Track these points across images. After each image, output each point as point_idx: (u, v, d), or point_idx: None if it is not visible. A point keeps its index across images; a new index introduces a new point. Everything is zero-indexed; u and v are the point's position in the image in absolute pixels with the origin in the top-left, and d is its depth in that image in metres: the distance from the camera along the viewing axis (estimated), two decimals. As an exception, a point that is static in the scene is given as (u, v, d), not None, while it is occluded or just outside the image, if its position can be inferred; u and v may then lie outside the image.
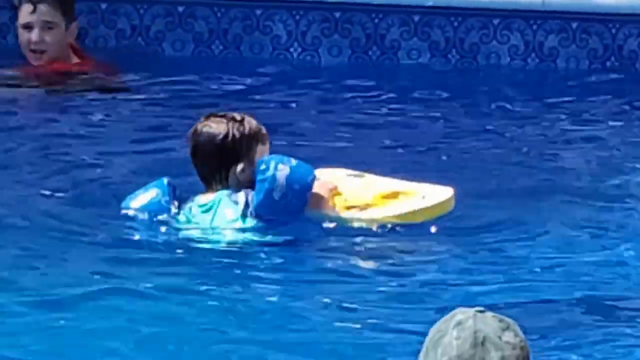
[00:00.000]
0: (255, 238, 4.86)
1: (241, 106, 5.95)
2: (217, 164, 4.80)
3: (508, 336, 2.49)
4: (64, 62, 6.35)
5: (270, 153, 4.88)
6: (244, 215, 4.73)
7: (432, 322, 3.62)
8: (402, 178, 4.97)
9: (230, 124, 4.81)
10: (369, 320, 4.21)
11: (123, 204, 4.98)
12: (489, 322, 2.52)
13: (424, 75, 6.79)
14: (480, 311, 2.52)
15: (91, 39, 6.78)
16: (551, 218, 5.18)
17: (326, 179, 4.90)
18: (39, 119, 6.26)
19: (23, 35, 6.18)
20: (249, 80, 6.98)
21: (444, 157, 5.91)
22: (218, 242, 4.89)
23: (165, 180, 4.85)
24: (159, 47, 6.82)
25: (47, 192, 5.37)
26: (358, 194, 4.83)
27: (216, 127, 4.82)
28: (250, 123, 4.79)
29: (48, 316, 4.35)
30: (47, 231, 5.12)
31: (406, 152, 6.00)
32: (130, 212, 5.01)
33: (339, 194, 4.82)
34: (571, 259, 4.85)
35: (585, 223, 5.20)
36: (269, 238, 4.85)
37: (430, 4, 6.75)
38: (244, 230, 4.80)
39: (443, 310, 4.42)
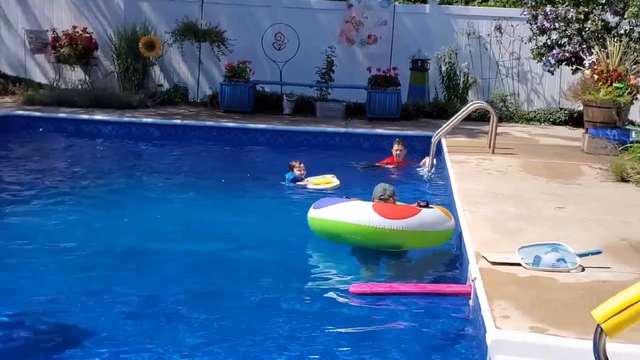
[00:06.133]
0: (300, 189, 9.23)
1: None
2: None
3: (390, 188, 6.99)
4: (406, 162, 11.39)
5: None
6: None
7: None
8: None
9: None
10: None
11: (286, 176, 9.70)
12: (385, 184, 7.01)
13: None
14: (383, 182, 7.11)
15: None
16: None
17: (311, 179, 9.40)
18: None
19: (396, 155, 11.56)
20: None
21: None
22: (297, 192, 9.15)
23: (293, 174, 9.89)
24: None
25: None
26: (320, 181, 9.70)
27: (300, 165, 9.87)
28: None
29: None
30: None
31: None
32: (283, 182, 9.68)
33: (316, 181, 9.64)
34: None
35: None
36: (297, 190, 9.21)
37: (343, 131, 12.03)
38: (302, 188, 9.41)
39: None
